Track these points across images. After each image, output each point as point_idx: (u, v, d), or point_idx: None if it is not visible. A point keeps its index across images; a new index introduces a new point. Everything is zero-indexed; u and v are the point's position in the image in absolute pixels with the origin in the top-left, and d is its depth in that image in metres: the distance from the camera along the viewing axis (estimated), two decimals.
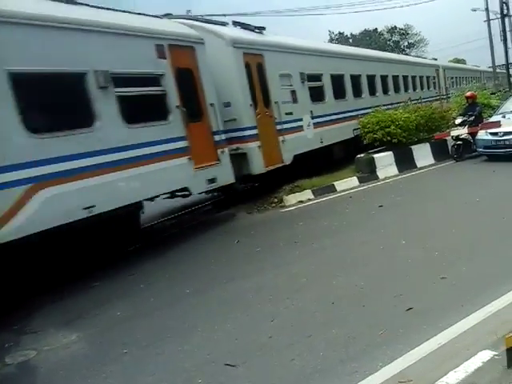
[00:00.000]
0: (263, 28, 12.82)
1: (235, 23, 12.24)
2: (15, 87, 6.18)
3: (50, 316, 5.92)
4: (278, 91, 12.13)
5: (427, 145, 14.00)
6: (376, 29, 64.65)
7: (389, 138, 13.04)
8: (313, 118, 13.58)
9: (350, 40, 59.92)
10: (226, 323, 5.00)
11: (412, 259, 6.12)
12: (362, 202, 10.34)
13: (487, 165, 12.37)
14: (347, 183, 12.00)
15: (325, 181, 11.99)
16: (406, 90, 22.07)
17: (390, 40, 65.34)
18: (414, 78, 23.53)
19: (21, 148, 6.25)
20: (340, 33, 63.56)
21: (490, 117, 14.03)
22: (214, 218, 10.69)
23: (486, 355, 3.61)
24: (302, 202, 10.89)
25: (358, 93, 16.96)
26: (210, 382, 3.93)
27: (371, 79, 18.18)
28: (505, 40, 34.88)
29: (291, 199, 10.97)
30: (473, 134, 13.16)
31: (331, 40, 59.85)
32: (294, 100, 12.85)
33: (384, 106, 16.21)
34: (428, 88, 26.06)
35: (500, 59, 39.99)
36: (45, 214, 6.38)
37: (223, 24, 11.85)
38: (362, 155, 13.14)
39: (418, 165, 13.37)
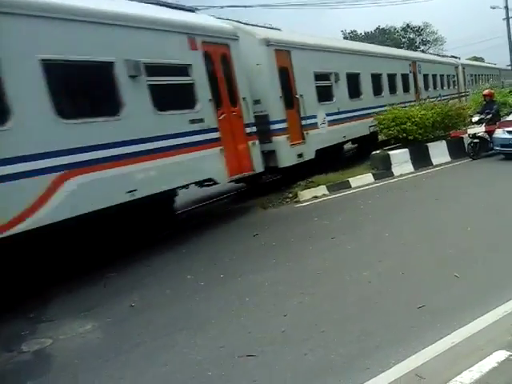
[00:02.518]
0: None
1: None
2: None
3: (65, 305, 6.00)
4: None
5: (443, 142, 13.88)
6: (391, 26, 64.06)
7: (404, 135, 12.96)
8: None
9: (364, 38, 59.27)
10: (239, 316, 5.03)
11: (426, 257, 6.10)
12: (377, 198, 10.29)
13: (504, 164, 12.25)
14: (362, 180, 11.96)
15: (340, 177, 11.97)
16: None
17: (404, 37, 64.60)
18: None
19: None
20: (352, 31, 63.04)
21: (508, 115, 13.88)
22: (230, 212, 10.72)
23: (501, 355, 3.59)
24: (316, 197, 10.88)
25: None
26: (222, 375, 3.95)
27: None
28: None
29: (306, 194, 10.97)
30: (490, 133, 13.02)
31: (344, 38, 59.31)
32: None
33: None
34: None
35: None
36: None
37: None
38: (378, 152, 13.06)
39: (434, 162, 13.29)
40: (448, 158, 13.60)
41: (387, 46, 28.11)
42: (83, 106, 7.49)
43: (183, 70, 8.74)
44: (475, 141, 13.26)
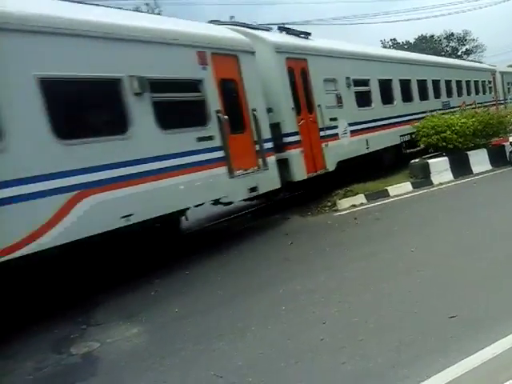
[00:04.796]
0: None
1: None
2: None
3: (113, 310, 6.23)
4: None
5: (484, 150, 13.66)
6: (433, 35, 63.08)
7: (444, 144, 12.82)
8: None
9: (405, 47, 58.56)
10: (278, 323, 5.13)
11: (465, 268, 6.04)
12: (415, 207, 10.22)
13: None
14: (400, 188, 11.90)
15: (378, 186, 11.96)
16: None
17: (446, 46, 63.57)
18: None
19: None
20: (392, 39, 62.42)
21: None
22: (268, 221, 10.84)
23: None
24: (354, 206, 10.91)
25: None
26: (261, 381, 4.04)
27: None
28: None
29: (344, 203, 11.02)
30: None
31: (385, 47, 58.66)
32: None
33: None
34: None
35: None
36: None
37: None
38: (417, 160, 12.97)
39: (474, 171, 13.08)
40: (489, 167, 13.37)
41: (426, 53, 27.77)
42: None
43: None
44: None
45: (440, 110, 17.20)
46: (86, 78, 6.69)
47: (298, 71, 11.41)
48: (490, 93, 26.95)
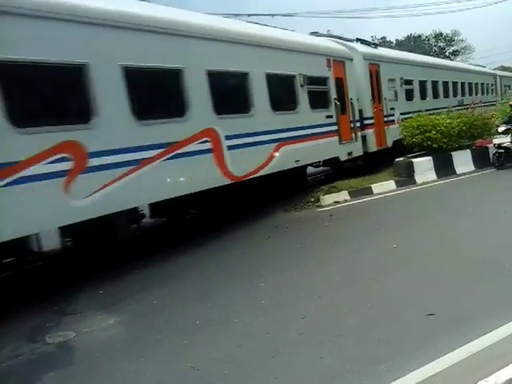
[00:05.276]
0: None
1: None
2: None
3: (90, 299, 6.17)
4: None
5: (468, 151, 13.78)
6: (420, 35, 63.49)
7: (429, 143, 12.90)
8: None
9: (393, 45, 58.87)
10: (258, 316, 5.12)
11: (446, 267, 6.08)
12: (398, 205, 10.29)
13: None
14: (384, 186, 11.96)
15: (362, 183, 12.01)
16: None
17: (435, 45, 63.97)
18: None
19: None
20: (382, 37, 62.74)
21: None
22: (253, 214, 10.78)
23: None
24: (338, 202, 10.95)
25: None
26: (240, 373, 4.03)
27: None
28: None
29: (328, 199, 11.05)
30: None
31: None
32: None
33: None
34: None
35: None
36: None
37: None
38: (401, 159, 13.04)
39: (458, 171, 13.19)
40: (472, 168, 13.47)
41: (416, 53, 29.71)
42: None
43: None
44: (500, 151, 13.10)
45: (456, 106, 20.75)
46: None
47: (374, 73, 15.60)
48: (492, 94, 31.49)
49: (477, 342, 4.06)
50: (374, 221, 8.95)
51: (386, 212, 9.74)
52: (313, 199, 11.13)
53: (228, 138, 9.00)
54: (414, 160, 12.83)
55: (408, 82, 18.17)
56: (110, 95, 6.93)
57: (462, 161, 13.42)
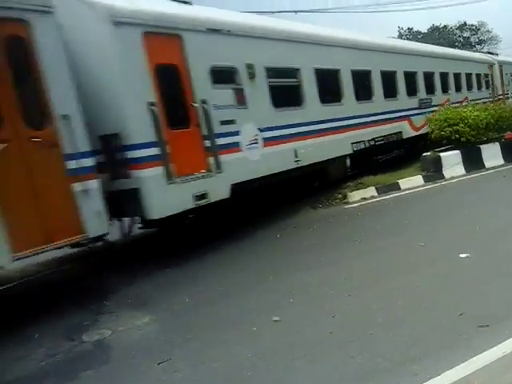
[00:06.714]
0: None
1: None
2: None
3: (125, 298, 6.29)
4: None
5: (497, 144, 13.52)
6: (445, 26, 62.27)
7: (457, 136, 12.70)
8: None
9: (419, 36, 57.91)
10: (288, 315, 5.15)
11: (476, 264, 6.01)
12: (427, 201, 10.18)
13: None
14: (412, 182, 11.84)
15: (389, 179, 11.92)
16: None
17: (460, 36, 62.74)
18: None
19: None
20: (409, 28, 61.84)
21: None
22: (279, 211, 10.81)
23: None
24: (365, 199, 10.89)
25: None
26: (270, 372, 4.06)
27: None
28: None
29: (355, 196, 11.01)
30: None
31: (400, 36, 57.98)
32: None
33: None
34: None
35: None
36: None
37: None
38: (429, 153, 12.87)
39: (487, 165, 12.96)
40: (501, 161, 13.22)
41: (441, 45, 26.58)
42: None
43: None
44: None
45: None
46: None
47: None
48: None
49: (510, 341, 4.02)
50: (402, 217, 8.89)
51: (415, 208, 9.66)
52: (340, 196, 11.11)
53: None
54: (441, 154, 12.64)
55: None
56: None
57: (491, 154, 13.19)
